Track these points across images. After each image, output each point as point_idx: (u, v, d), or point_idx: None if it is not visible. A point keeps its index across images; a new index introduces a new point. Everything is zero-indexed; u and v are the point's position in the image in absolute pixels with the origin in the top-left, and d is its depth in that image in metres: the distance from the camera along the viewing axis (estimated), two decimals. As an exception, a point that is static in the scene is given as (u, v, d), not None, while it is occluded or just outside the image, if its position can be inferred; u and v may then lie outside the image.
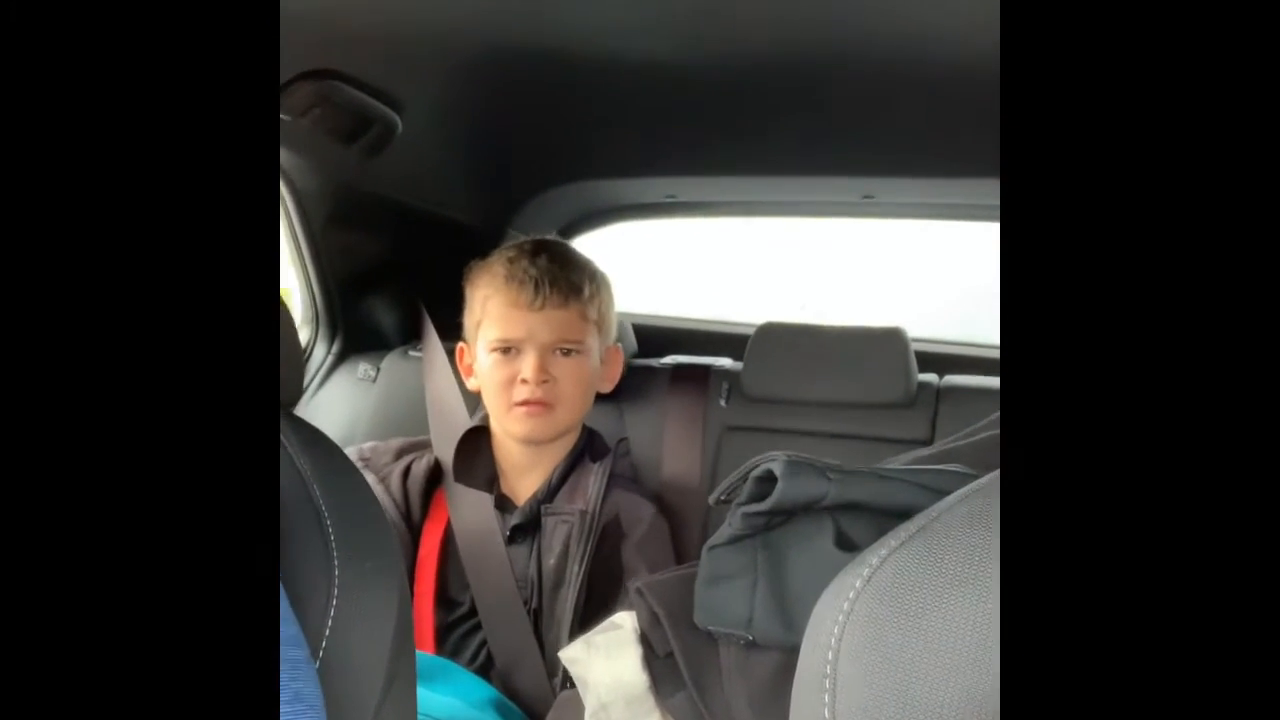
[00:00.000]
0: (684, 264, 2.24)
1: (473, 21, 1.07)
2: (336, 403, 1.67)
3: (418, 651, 1.21)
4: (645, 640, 0.79)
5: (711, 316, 1.97)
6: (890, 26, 1.02)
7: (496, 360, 1.27)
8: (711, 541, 0.70)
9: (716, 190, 1.77)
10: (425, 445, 1.39)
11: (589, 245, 1.92)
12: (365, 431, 1.60)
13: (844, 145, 1.46)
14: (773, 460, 0.64)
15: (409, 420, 1.52)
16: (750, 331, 1.54)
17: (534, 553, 1.26)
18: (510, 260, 1.29)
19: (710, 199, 1.83)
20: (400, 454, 1.37)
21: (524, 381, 1.24)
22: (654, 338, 1.74)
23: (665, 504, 1.42)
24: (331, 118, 1.22)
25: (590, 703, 0.80)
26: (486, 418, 1.35)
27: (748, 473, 0.67)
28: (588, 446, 1.35)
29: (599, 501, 1.26)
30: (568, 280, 1.27)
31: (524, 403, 1.25)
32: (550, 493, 1.29)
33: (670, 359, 1.65)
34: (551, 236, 1.42)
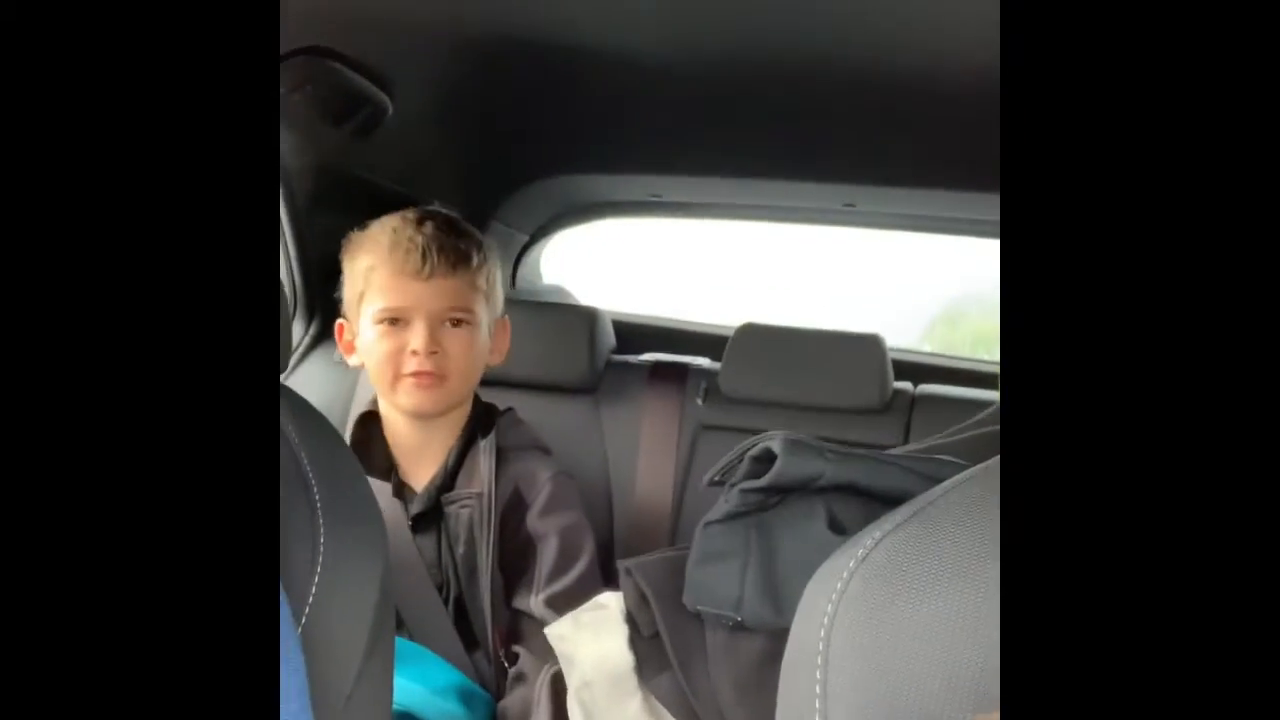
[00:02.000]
0: (667, 264, 2.25)
1: (470, 7, 1.07)
2: (311, 385, 1.65)
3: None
4: (631, 620, 0.80)
5: (692, 317, 1.97)
6: (880, 39, 1.03)
7: (383, 331, 1.20)
8: (707, 518, 0.70)
9: (700, 191, 1.77)
10: None
11: (574, 240, 1.93)
12: (340, 416, 1.58)
13: (827, 152, 1.47)
14: (771, 439, 0.65)
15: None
16: (729, 332, 1.55)
17: (442, 542, 1.22)
18: (394, 229, 1.22)
19: (694, 200, 1.84)
20: None
21: (414, 353, 1.18)
22: (633, 335, 1.74)
23: (638, 498, 1.42)
24: (323, 96, 1.21)
25: (574, 680, 0.80)
26: (375, 401, 1.30)
27: (745, 451, 0.68)
28: (479, 423, 1.28)
29: (492, 480, 1.20)
30: (455, 248, 1.21)
31: (414, 374, 1.19)
32: (448, 478, 1.23)
33: (648, 356, 1.65)
34: (435, 207, 1.35)
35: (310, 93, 1.19)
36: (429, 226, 1.22)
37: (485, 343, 1.26)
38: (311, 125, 1.28)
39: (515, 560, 1.19)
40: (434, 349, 1.18)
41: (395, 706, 1.03)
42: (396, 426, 1.27)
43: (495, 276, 1.27)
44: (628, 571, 0.78)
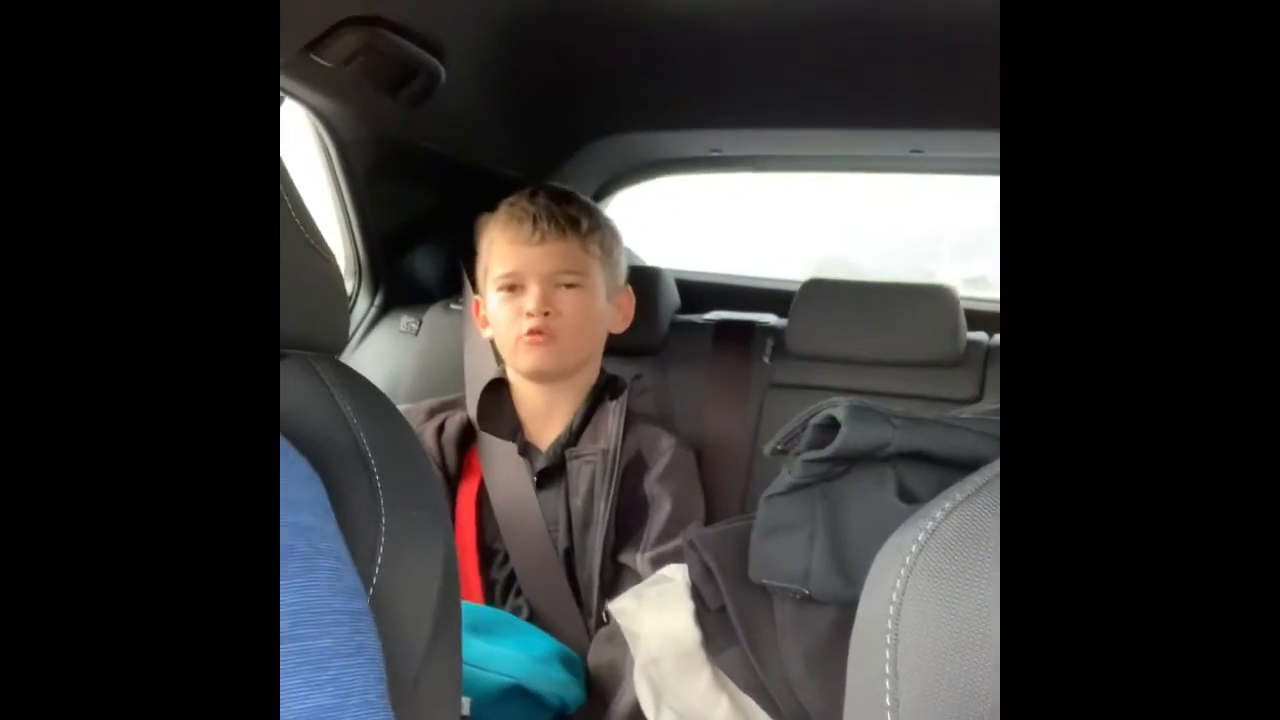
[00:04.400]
0: (728, 220, 2.22)
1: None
2: (379, 355, 1.67)
3: (478, 605, 1.22)
4: (697, 594, 0.78)
5: (756, 273, 1.95)
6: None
7: (503, 298, 1.29)
8: (769, 491, 0.68)
9: (762, 144, 1.74)
10: (455, 404, 1.39)
11: (632, 200, 1.90)
12: (408, 384, 1.60)
13: (892, 98, 1.43)
14: (835, 406, 0.62)
15: (450, 373, 1.51)
16: (795, 288, 1.52)
17: (562, 496, 1.27)
18: (511, 204, 1.32)
19: (755, 153, 1.80)
20: (432, 413, 1.38)
21: (529, 314, 1.26)
22: (697, 294, 1.72)
23: (707, 461, 1.41)
24: (376, 66, 1.20)
25: (640, 656, 0.79)
26: (505, 369, 1.37)
27: (808, 419, 0.65)
28: (606, 388, 1.36)
29: (619, 439, 1.27)
30: (564, 214, 1.29)
31: (530, 334, 1.26)
32: (573, 436, 1.30)
33: (714, 315, 1.63)
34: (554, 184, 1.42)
35: (363, 63, 1.18)
36: (541, 197, 1.31)
37: (602, 308, 1.33)
38: (366, 96, 1.28)
39: (628, 518, 1.24)
40: (546, 309, 1.26)
41: (505, 678, 1.04)
42: (523, 390, 1.35)
43: (612, 245, 1.34)
44: (691, 545, 0.77)
